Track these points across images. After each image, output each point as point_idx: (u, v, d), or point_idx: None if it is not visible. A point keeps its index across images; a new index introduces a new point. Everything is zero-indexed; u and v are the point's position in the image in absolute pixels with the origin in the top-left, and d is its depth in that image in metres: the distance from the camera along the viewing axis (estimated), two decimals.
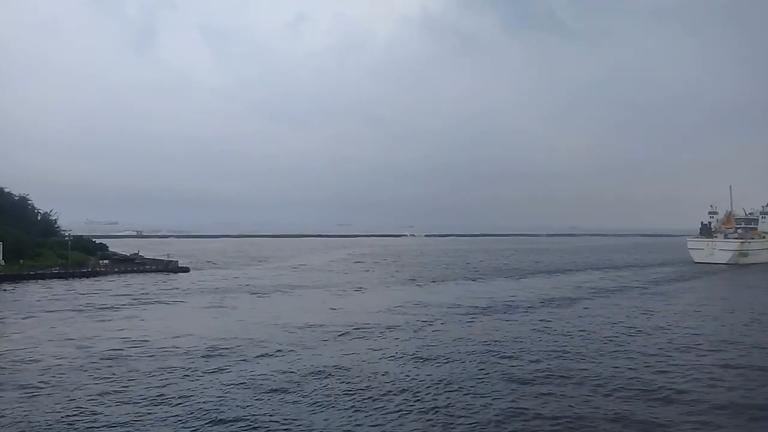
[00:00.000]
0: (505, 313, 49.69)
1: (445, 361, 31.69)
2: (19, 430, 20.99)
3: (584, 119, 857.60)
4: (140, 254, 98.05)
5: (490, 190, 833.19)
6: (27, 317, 44.82)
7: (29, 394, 24.93)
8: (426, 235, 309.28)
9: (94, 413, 22.57)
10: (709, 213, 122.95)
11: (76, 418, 22.14)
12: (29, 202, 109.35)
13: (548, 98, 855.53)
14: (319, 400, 24.46)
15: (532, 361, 31.65)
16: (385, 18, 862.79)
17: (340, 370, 29.34)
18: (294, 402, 24.25)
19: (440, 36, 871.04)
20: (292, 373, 28.71)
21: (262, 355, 32.65)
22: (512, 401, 24.62)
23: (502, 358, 32.53)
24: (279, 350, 33.92)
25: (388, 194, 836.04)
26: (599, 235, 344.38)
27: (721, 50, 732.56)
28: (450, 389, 26.28)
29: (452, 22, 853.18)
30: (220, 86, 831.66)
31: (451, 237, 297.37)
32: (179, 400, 24.16)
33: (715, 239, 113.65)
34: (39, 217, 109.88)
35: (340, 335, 38.69)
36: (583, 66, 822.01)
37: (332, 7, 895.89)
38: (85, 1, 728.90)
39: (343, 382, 27.21)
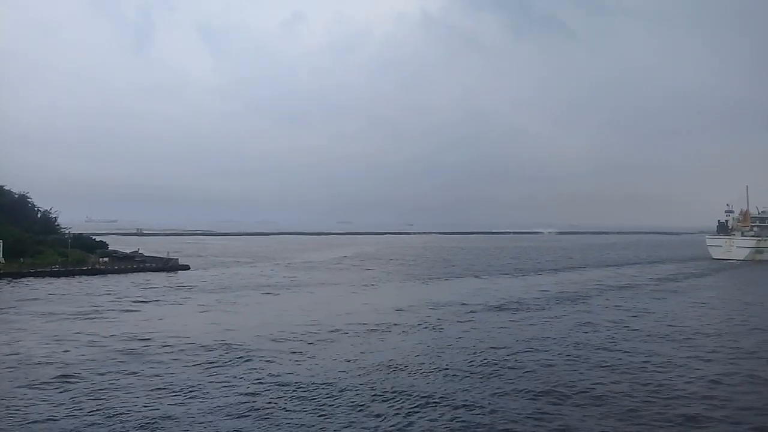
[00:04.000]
0: (537, 310, 48.50)
1: (454, 361, 30.56)
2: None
3: (589, 120, 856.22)
4: (140, 252, 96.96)
5: (492, 189, 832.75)
6: (33, 315, 43.41)
7: (47, 395, 24.00)
8: (429, 233, 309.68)
9: (120, 411, 21.85)
10: (726, 212, 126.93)
11: (103, 416, 21.40)
12: (29, 200, 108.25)
13: (553, 99, 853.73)
14: (339, 398, 23.38)
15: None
16: (385, 17, 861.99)
17: (358, 367, 28.46)
18: (315, 400, 23.22)
19: (442, 36, 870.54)
20: (310, 370, 27.71)
21: (277, 353, 31.47)
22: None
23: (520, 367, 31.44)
24: (293, 347, 32.82)
25: (388, 193, 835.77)
26: (602, 233, 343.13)
27: (730, 50, 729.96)
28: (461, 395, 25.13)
29: (454, 22, 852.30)
30: (218, 85, 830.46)
31: (454, 235, 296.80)
32: (189, 400, 23.10)
33: (732, 237, 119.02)
34: (39, 215, 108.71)
35: (352, 333, 37.56)
36: (589, 67, 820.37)
37: (330, 5, 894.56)
38: (82, 3, 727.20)
39: (360, 379, 26.11)
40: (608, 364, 29.81)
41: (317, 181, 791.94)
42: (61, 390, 24.52)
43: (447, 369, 28.42)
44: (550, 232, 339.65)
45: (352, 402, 23.09)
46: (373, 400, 23.41)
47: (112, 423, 20.69)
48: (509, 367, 28.83)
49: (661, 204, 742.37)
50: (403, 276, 79.83)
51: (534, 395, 24.22)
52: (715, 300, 57.81)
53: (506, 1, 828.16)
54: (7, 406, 22.31)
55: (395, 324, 40.90)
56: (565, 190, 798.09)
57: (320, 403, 23.01)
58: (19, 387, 24.95)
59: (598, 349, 33.47)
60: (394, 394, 24.14)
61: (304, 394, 24.09)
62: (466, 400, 23.40)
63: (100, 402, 22.87)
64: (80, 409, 22.07)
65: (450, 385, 25.73)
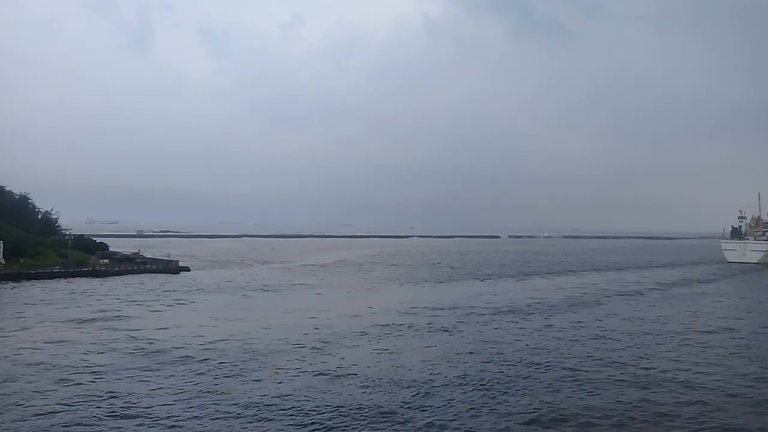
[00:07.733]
0: (561, 314, 48.36)
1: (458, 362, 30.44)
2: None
3: (592, 123, 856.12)
4: (141, 254, 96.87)
5: (494, 193, 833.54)
6: (33, 318, 42.97)
7: (51, 398, 23.75)
8: (430, 236, 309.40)
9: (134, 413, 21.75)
10: (739, 218, 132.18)
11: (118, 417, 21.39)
12: (30, 201, 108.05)
13: (556, 102, 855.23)
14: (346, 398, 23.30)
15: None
16: (386, 22, 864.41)
17: (363, 369, 28.27)
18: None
19: (443, 40, 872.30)
20: (322, 375, 27.52)
21: (286, 356, 31.32)
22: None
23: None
24: (301, 351, 32.63)
25: (388, 196, 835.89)
26: (603, 237, 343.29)
27: (735, 51, 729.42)
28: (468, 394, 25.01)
29: (456, 26, 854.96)
30: (218, 87, 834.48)
31: (455, 238, 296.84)
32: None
33: (746, 241, 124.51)
34: (39, 216, 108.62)
35: (357, 336, 37.39)
36: (591, 70, 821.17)
37: (330, 9, 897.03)
38: (83, 5, 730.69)
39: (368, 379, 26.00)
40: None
41: (318, 184, 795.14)
42: (64, 392, 24.34)
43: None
44: (546, 236, 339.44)
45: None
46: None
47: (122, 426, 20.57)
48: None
49: (660, 209, 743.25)
50: (405, 279, 79.58)
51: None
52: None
53: (508, 5, 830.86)
54: (10, 410, 22.11)
55: (400, 325, 40.85)
56: (568, 194, 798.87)
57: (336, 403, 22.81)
58: (22, 391, 24.63)
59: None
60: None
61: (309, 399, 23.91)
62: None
63: (111, 404, 22.71)
64: (89, 411, 21.98)
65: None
